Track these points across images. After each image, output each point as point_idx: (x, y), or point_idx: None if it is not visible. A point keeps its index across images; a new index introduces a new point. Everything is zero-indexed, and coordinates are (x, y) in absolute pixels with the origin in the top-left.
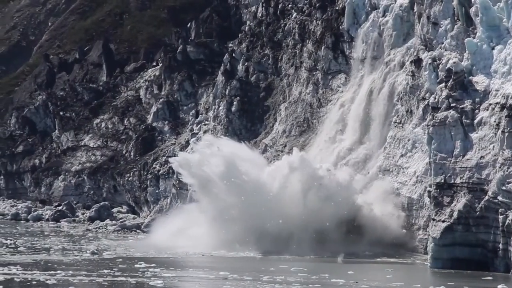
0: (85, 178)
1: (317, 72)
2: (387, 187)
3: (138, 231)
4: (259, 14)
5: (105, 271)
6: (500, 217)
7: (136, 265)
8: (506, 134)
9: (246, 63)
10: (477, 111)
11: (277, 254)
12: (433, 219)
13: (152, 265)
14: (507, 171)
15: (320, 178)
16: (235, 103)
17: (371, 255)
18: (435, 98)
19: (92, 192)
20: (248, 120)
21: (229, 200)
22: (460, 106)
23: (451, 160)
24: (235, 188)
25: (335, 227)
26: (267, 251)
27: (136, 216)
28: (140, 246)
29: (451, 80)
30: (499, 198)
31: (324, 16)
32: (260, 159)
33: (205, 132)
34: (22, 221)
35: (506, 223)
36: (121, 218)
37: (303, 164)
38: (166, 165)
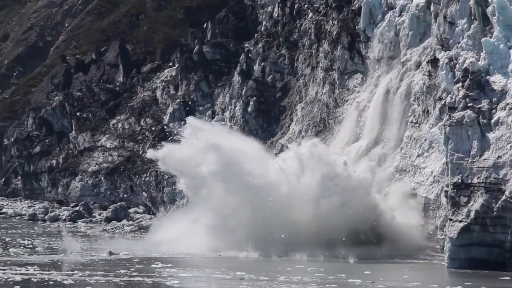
0: (102, 178)
1: (334, 72)
2: (407, 188)
3: None
4: (275, 14)
5: (122, 271)
6: None
7: (152, 265)
8: None
9: (262, 63)
10: (494, 110)
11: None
12: (450, 219)
13: (169, 265)
14: None
15: (337, 176)
16: (251, 103)
17: (388, 255)
18: (452, 98)
19: (108, 192)
20: (265, 120)
21: (229, 206)
22: (477, 106)
23: (468, 160)
24: (236, 193)
25: (351, 237)
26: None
27: (152, 216)
28: (139, 246)
29: (468, 79)
30: None
31: (340, 16)
32: (262, 151)
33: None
34: (39, 222)
35: None
36: (137, 219)
37: (315, 157)
38: None
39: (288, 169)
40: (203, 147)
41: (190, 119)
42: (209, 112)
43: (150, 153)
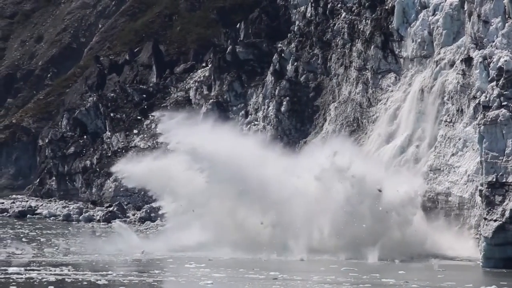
0: None
1: (367, 71)
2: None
3: None
4: (308, 14)
5: (156, 271)
6: None
7: (186, 265)
8: None
9: (296, 63)
10: None
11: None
12: (485, 218)
13: (202, 265)
14: None
15: (366, 198)
16: (284, 103)
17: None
18: (486, 97)
19: (142, 193)
20: (298, 120)
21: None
22: None
23: (502, 159)
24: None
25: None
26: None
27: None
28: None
29: (502, 78)
30: None
31: (373, 15)
32: (266, 155)
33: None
34: (73, 222)
35: None
36: None
37: (338, 172)
38: None
39: (304, 187)
40: (194, 160)
41: (160, 118)
42: (242, 112)
43: (114, 168)
